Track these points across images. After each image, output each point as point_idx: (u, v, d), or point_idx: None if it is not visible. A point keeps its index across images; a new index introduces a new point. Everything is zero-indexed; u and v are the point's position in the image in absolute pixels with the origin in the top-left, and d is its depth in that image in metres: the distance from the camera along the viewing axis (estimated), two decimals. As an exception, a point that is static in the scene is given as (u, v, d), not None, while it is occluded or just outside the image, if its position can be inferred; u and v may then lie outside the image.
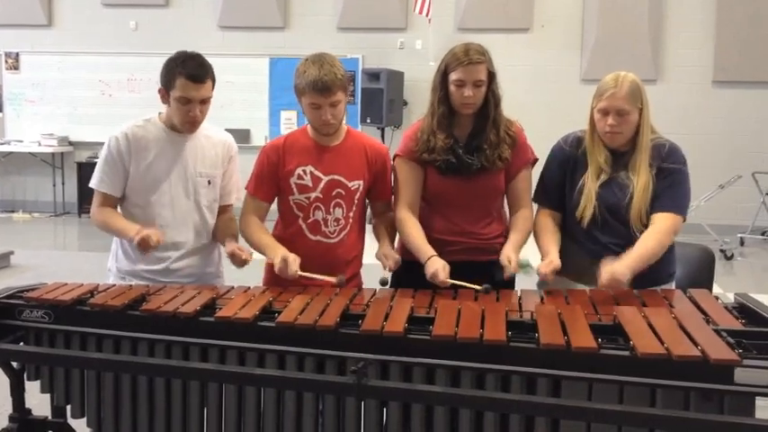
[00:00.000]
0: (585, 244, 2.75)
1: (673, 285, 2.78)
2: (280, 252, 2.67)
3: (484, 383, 2.06)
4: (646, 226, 2.69)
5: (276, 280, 2.77)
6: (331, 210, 2.81)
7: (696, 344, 1.97)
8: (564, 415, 1.97)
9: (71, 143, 10.54)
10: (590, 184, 2.72)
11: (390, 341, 2.15)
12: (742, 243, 8.78)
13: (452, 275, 2.59)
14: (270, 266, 2.92)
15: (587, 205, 2.71)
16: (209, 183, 2.96)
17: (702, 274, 3.49)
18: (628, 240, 2.67)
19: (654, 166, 2.71)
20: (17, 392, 2.57)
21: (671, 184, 2.71)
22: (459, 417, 2.09)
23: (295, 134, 2.92)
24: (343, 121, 2.85)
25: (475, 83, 2.72)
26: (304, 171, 2.81)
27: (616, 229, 2.71)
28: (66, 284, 2.67)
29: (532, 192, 2.94)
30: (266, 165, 2.84)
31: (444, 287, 2.56)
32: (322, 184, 2.81)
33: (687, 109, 9.11)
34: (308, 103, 2.71)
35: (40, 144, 10.40)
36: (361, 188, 2.85)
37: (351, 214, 2.85)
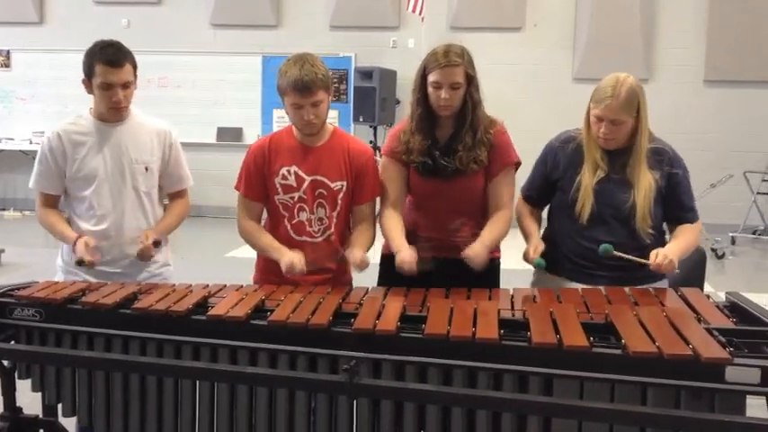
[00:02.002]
0: (582, 243, 2.75)
1: (666, 282, 2.80)
2: (285, 254, 2.71)
3: (476, 382, 2.06)
4: (653, 227, 2.72)
5: (267, 278, 2.77)
6: (314, 210, 2.82)
7: (687, 342, 1.98)
8: (556, 413, 1.98)
9: (62, 141, 10.49)
10: (586, 181, 2.72)
11: (383, 340, 2.15)
12: (733, 242, 8.80)
13: (429, 272, 2.64)
14: (260, 265, 2.92)
15: (585, 202, 2.71)
16: (147, 169, 2.97)
17: (694, 273, 3.51)
18: (628, 241, 2.69)
19: (657, 169, 2.72)
20: (8, 391, 2.56)
21: (684, 192, 2.79)
22: (452, 415, 2.09)
23: (280, 134, 2.91)
24: (327, 122, 2.84)
25: (452, 85, 2.70)
26: (288, 171, 2.81)
27: (615, 229, 2.71)
28: (57, 283, 2.66)
29: (515, 194, 2.92)
30: (253, 165, 2.85)
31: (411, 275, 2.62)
32: (305, 185, 2.81)
33: (679, 108, 9.13)
34: (290, 104, 2.71)
35: (31, 142, 10.33)
36: (344, 188, 2.84)
37: (334, 214, 2.84)
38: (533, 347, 2.03)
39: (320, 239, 2.83)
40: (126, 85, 2.84)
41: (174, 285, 2.68)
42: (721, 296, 2.54)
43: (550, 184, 2.86)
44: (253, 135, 9.99)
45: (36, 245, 8.55)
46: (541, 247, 2.75)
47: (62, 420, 2.65)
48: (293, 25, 9.96)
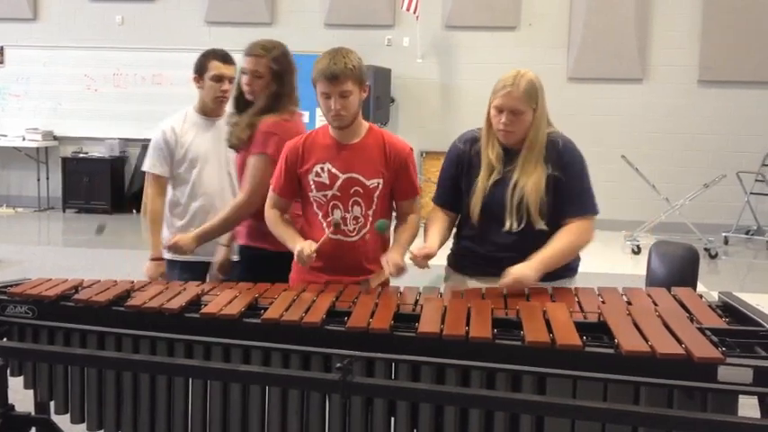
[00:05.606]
0: (482, 245, 2.73)
1: (574, 280, 2.77)
2: (297, 243, 2.68)
3: (469, 381, 2.07)
4: (547, 224, 2.64)
5: (302, 278, 2.77)
6: (350, 208, 2.79)
7: (680, 342, 1.98)
8: (549, 412, 1.98)
9: (56, 138, 10.46)
10: (481, 184, 2.68)
11: (376, 338, 2.15)
12: (726, 242, 8.84)
13: None
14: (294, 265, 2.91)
15: (476, 205, 2.68)
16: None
17: (687, 273, 3.52)
18: (523, 240, 2.64)
19: (549, 165, 2.66)
20: (0, 388, 2.56)
21: (574, 187, 2.68)
22: (444, 414, 2.09)
23: (316, 132, 2.88)
24: (360, 118, 2.81)
25: (252, 73, 3.14)
26: (322, 168, 2.79)
27: (510, 230, 2.66)
28: (50, 280, 2.65)
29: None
30: (285, 163, 2.85)
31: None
32: (339, 182, 2.78)
33: (672, 108, 9.16)
34: (320, 93, 2.71)
35: (24, 139, 10.32)
36: (380, 186, 2.80)
37: (370, 212, 2.80)
38: (526, 346, 2.04)
39: (356, 238, 2.80)
40: (231, 81, 3.36)
41: (167, 282, 2.68)
42: (714, 296, 2.54)
43: (458, 187, 2.81)
44: (247, 133, 9.98)
45: (28, 242, 8.54)
46: (427, 250, 2.61)
47: (54, 418, 2.65)
48: (288, 23, 9.95)
